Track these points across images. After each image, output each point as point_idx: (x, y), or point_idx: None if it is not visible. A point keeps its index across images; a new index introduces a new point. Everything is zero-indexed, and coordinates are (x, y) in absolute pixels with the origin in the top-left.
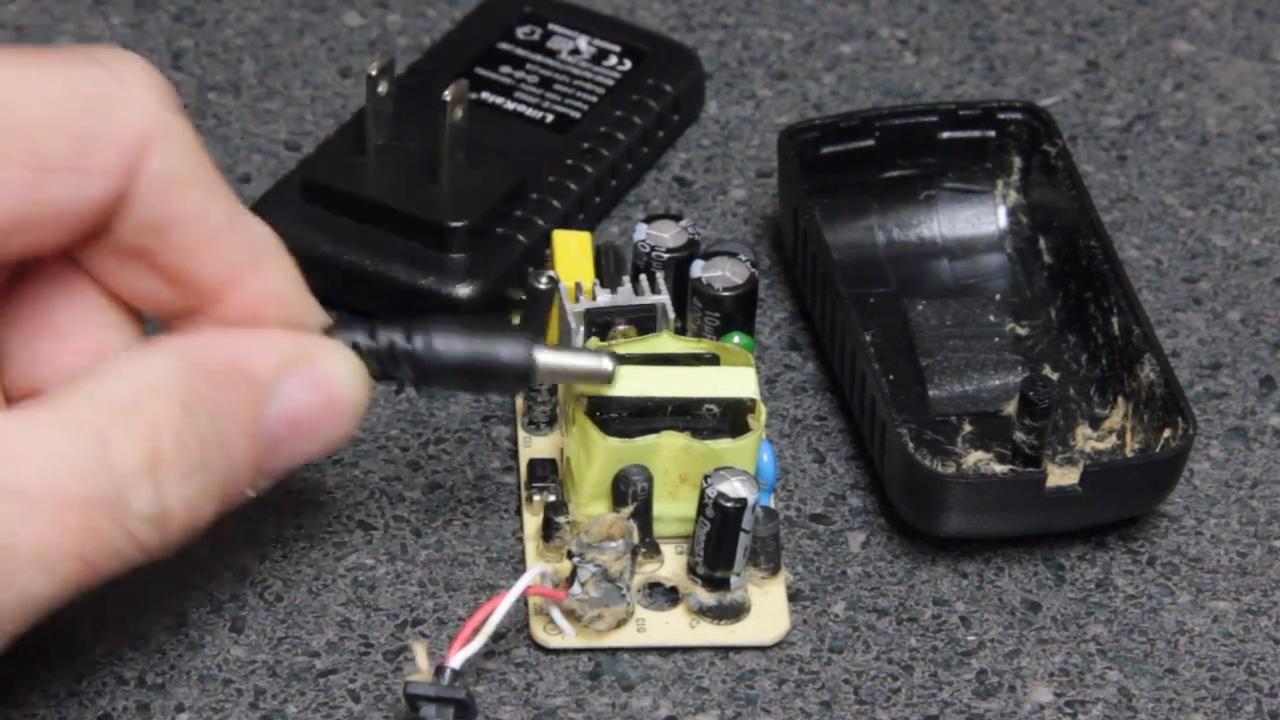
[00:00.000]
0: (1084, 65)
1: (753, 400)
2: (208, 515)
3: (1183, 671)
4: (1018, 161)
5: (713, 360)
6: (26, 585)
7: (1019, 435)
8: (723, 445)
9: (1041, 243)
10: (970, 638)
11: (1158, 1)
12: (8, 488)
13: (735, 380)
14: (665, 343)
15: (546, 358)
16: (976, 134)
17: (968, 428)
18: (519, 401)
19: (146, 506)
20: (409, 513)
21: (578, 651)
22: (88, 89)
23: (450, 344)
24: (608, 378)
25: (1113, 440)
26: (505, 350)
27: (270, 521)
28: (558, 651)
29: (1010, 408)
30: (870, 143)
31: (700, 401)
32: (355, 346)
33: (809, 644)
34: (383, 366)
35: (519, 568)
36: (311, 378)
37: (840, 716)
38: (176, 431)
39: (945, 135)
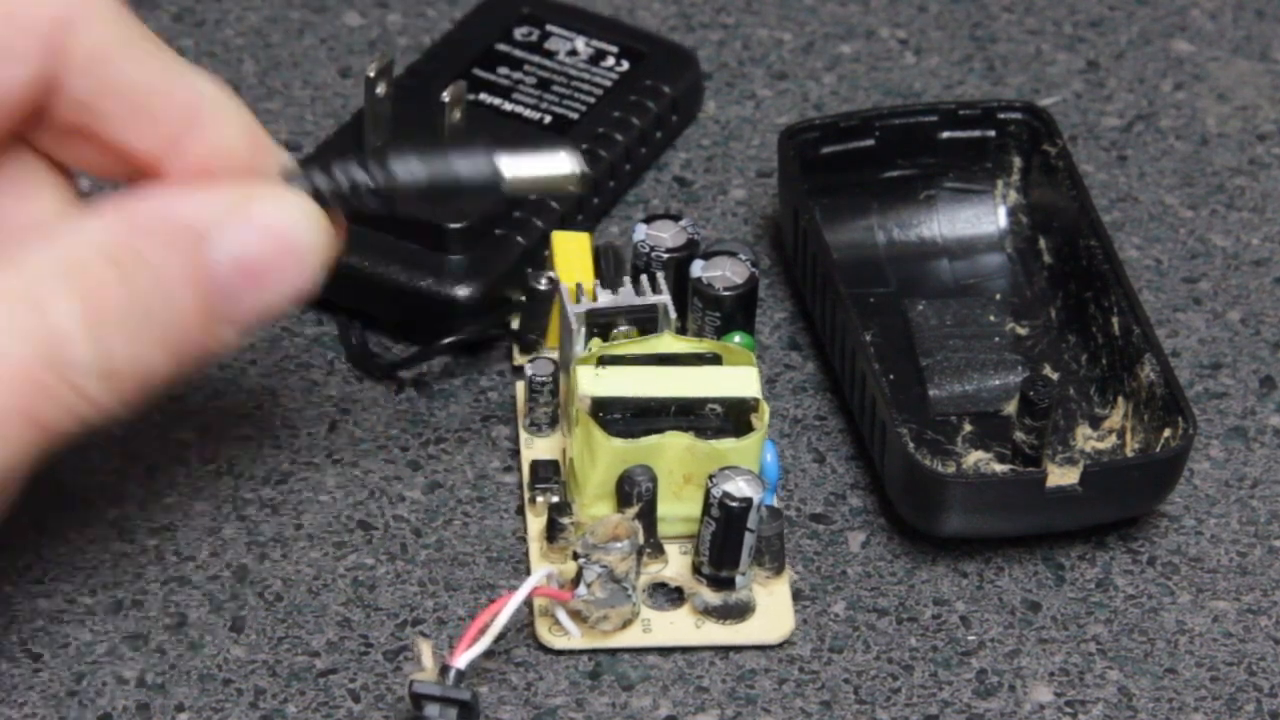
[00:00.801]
0: (1084, 65)
1: (756, 400)
2: (160, 368)
3: (1183, 671)
4: (1018, 161)
5: (715, 360)
6: None
7: (1019, 435)
8: (727, 445)
9: (1041, 243)
10: (970, 638)
11: (1158, 1)
12: None
13: (738, 380)
14: (667, 343)
15: (509, 166)
16: (976, 134)
17: (968, 428)
18: (520, 402)
19: (90, 361)
20: (409, 513)
21: (578, 651)
22: None
23: (410, 169)
24: (576, 179)
25: (1113, 440)
26: (466, 165)
27: (270, 521)
28: (558, 651)
29: (1010, 408)
30: (870, 143)
31: (703, 401)
32: (316, 190)
33: (809, 644)
34: (347, 204)
35: (519, 567)
36: (257, 221)
37: (840, 716)
38: (110, 286)
39: (945, 135)
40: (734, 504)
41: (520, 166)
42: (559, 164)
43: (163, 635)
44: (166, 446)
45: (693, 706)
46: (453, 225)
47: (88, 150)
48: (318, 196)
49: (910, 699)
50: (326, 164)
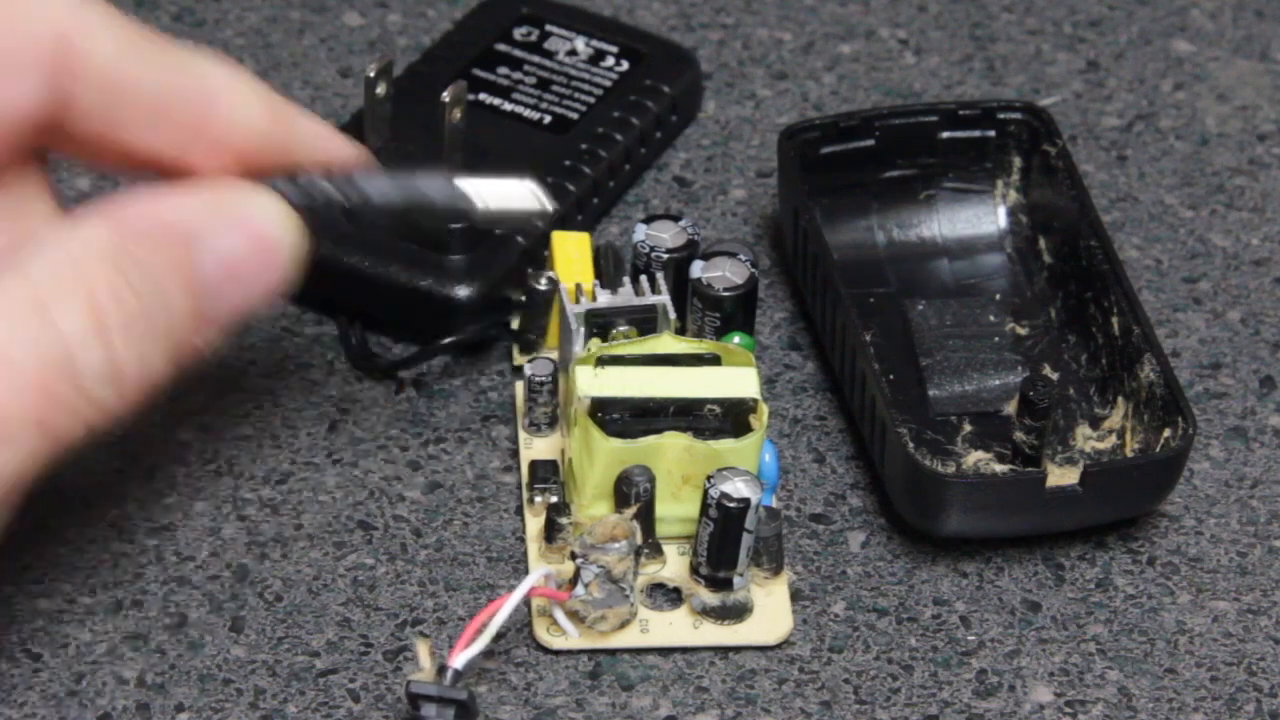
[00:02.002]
0: (1084, 65)
1: (754, 400)
2: (160, 370)
3: (1183, 671)
4: (1018, 161)
5: (714, 360)
6: None
7: (1019, 435)
8: (725, 445)
9: (1041, 243)
10: (970, 638)
11: (1158, 1)
12: None
13: (737, 380)
14: (666, 343)
15: (475, 191)
16: (976, 134)
17: (968, 428)
18: (519, 402)
19: (97, 364)
20: (409, 513)
21: (577, 651)
22: None
23: (373, 185)
24: (535, 200)
25: (1113, 440)
26: (427, 184)
27: (270, 521)
28: (557, 651)
29: (1010, 408)
30: (870, 143)
31: (702, 402)
32: (289, 200)
33: (809, 644)
34: (314, 216)
35: (519, 567)
36: (239, 223)
37: (840, 716)
38: (113, 289)
39: (945, 135)
40: (732, 504)
41: (486, 194)
42: (524, 198)
43: (163, 635)
44: (166, 446)
45: (693, 706)
46: (452, 226)
47: (113, 155)
48: (292, 205)
49: (910, 699)
50: (294, 177)
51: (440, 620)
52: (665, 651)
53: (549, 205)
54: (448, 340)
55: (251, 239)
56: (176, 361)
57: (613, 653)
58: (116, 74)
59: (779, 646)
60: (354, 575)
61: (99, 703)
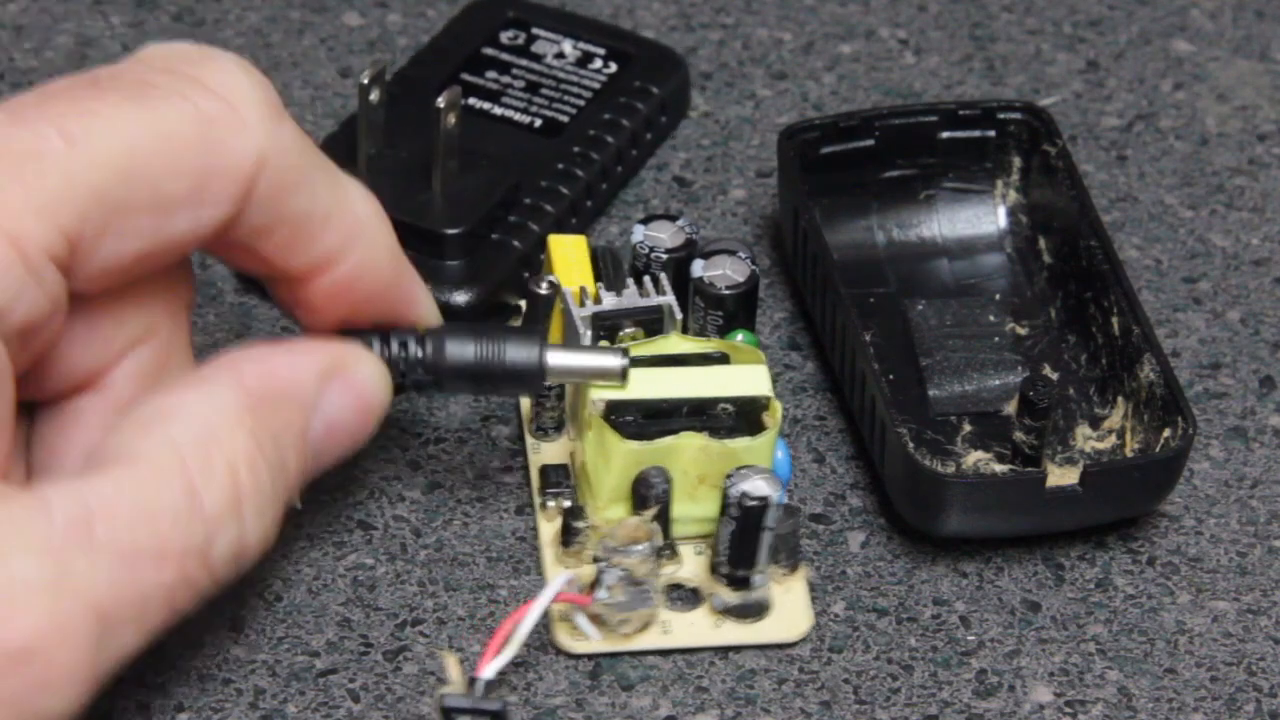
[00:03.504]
0: (1084, 65)
1: (767, 398)
2: (272, 538)
3: (1183, 671)
4: (1018, 161)
5: (722, 359)
6: (123, 642)
7: (1019, 435)
8: (741, 444)
9: (1041, 243)
10: (970, 638)
11: (1158, 1)
12: (110, 546)
13: (749, 378)
14: (675, 344)
15: (557, 359)
16: (976, 134)
17: (968, 428)
18: (525, 407)
19: (231, 545)
20: (409, 513)
21: (579, 653)
22: (201, 123)
23: (461, 349)
24: (620, 374)
25: (1112, 440)
26: (515, 353)
27: None
28: (558, 651)
29: (1010, 408)
30: (870, 143)
31: (715, 401)
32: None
33: (809, 644)
34: (397, 373)
35: (519, 568)
36: (346, 385)
37: (840, 716)
38: (251, 465)
39: (945, 135)
40: (752, 503)
41: (567, 359)
42: (609, 361)
43: (163, 635)
44: None
45: (692, 706)
46: (450, 231)
47: (244, 259)
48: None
49: (910, 699)
50: (385, 332)
51: (440, 621)
52: (666, 651)
53: (626, 366)
54: None
55: (356, 401)
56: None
57: (614, 653)
58: (286, 196)
59: (779, 646)
60: (354, 575)
61: (99, 703)
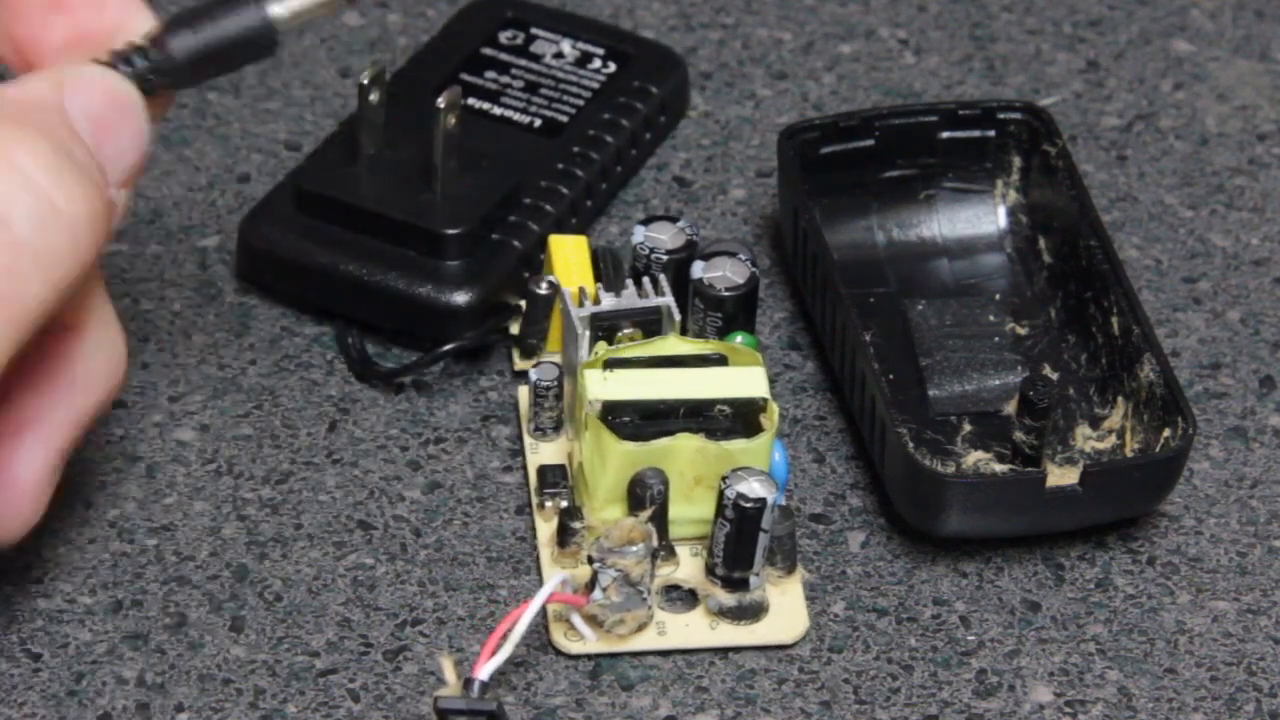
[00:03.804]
0: (1084, 65)
1: (764, 400)
2: (98, 208)
3: (1183, 671)
4: (1018, 161)
5: (720, 361)
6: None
7: (1019, 435)
8: (737, 446)
9: (1041, 243)
10: (970, 638)
11: (1158, 1)
12: None
13: (746, 380)
14: (673, 345)
15: (277, 9)
16: (976, 134)
17: (968, 428)
18: (524, 407)
19: (31, 214)
20: (409, 513)
21: (578, 653)
22: None
23: (185, 42)
24: (339, 1)
25: (1112, 440)
26: (236, 22)
27: (270, 521)
28: (558, 652)
29: (1010, 408)
30: (870, 143)
31: (712, 402)
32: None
33: (809, 644)
34: (145, 85)
35: (519, 567)
36: (83, 84)
37: (840, 716)
38: (19, 144)
39: (945, 135)
40: (748, 504)
41: (287, 4)
42: None
43: (162, 635)
44: (166, 446)
45: (692, 706)
46: (450, 231)
47: None
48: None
49: (910, 699)
50: (111, 51)
51: (440, 620)
52: (665, 651)
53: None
54: (447, 347)
55: (101, 94)
56: (110, 209)
57: (614, 653)
58: None
59: (778, 646)
60: (354, 575)
61: (99, 703)
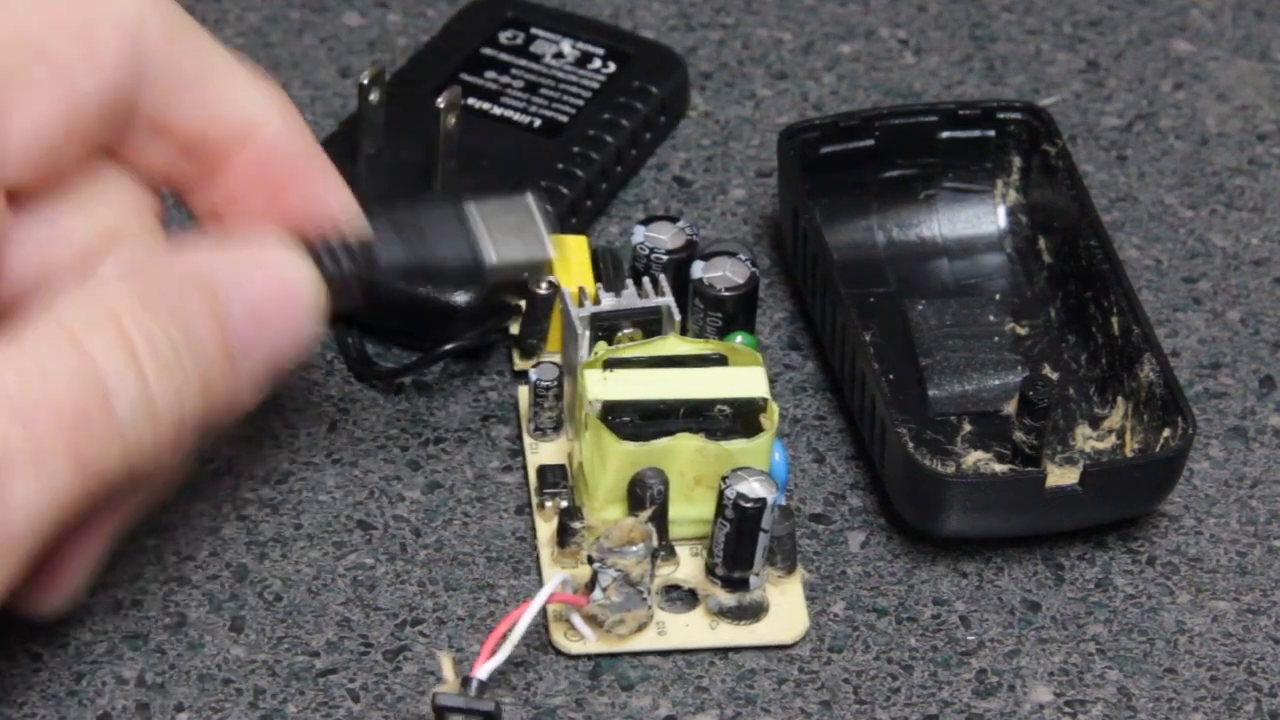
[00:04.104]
0: (1084, 65)
1: (764, 400)
2: (196, 412)
3: (1182, 671)
4: (1018, 161)
5: (720, 361)
6: (27, 492)
7: (1019, 435)
8: (737, 446)
9: (1041, 242)
10: (970, 637)
11: (1158, 1)
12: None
13: (746, 380)
14: (673, 345)
15: (493, 256)
16: (976, 134)
17: (967, 427)
18: (524, 407)
19: (133, 401)
20: (408, 512)
21: (578, 653)
22: None
23: (393, 255)
24: (545, 255)
25: (1112, 440)
26: (451, 256)
27: (270, 521)
28: (558, 651)
29: (1010, 407)
30: (870, 142)
31: (712, 403)
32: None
33: (809, 644)
34: (339, 284)
35: (519, 567)
36: (264, 270)
37: (840, 716)
38: (142, 327)
39: (945, 135)
40: (748, 504)
41: (506, 254)
42: (543, 252)
43: (162, 635)
44: None
45: (692, 706)
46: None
47: (160, 151)
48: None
49: (910, 699)
50: (321, 248)
51: (440, 620)
52: (665, 651)
53: (552, 251)
54: (447, 347)
55: (275, 286)
56: (214, 407)
57: (614, 653)
58: (178, 54)
59: (778, 646)
60: (353, 575)
61: (99, 702)
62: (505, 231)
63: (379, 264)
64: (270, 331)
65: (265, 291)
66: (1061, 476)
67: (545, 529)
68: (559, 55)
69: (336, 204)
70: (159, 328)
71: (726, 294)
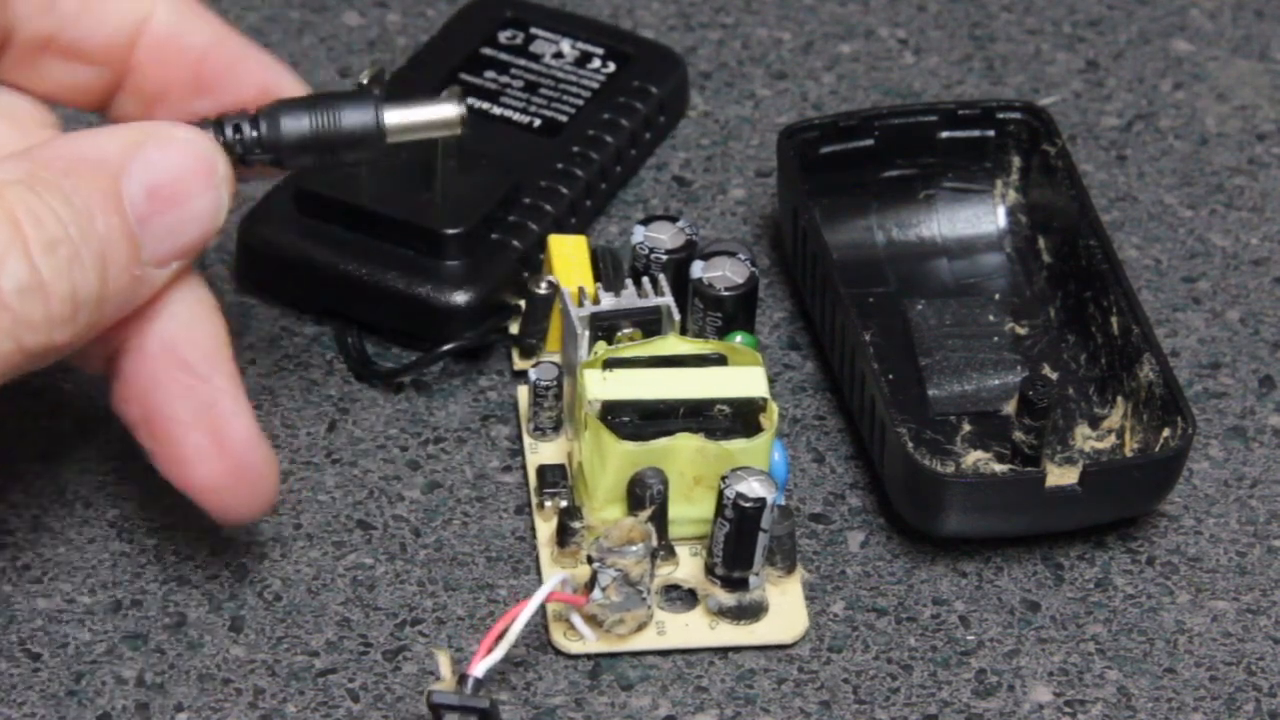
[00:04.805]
0: (1084, 65)
1: (764, 399)
2: (91, 289)
3: (1182, 671)
4: (1017, 161)
5: (720, 361)
6: None
7: (1018, 435)
8: (737, 445)
9: (1041, 242)
10: (969, 637)
11: (1157, 1)
12: None
13: (746, 380)
14: (673, 344)
15: (394, 117)
16: (976, 134)
17: (967, 427)
18: (523, 407)
19: (17, 278)
20: (409, 512)
21: (577, 653)
22: None
23: (296, 122)
24: (459, 122)
25: (1112, 440)
26: (351, 117)
27: (270, 521)
28: (557, 651)
29: (1010, 407)
30: (870, 142)
31: (711, 402)
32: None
33: (808, 644)
34: (241, 157)
35: (519, 567)
36: (160, 146)
37: (840, 716)
38: (29, 209)
39: (945, 135)
40: (748, 504)
41: (404, 115)
42: (444, 112)
43: (162, 635)
44: None
45: (692, 706)
46: (450, 231)
47: (54, 67)
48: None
49: (909, 699)
50: (218, 116)
51: (440, 620)
52: (665, 651)
53: (464, 111)
54: (447, 347)
55: (174, 159)
56: (116, 287)
57: (613, 653)
58: None
59: (778, 646)
60: (353, 575)
61: (98, 702)
62: (411, 103)
63: (280, 130)
64: (172, 206)
65: (162, 165)
66: (1061, 476)
67: (545, 529)
68: (558, 55)
69: (260, 83)
70: (44, 205)
71: (726, 294)
